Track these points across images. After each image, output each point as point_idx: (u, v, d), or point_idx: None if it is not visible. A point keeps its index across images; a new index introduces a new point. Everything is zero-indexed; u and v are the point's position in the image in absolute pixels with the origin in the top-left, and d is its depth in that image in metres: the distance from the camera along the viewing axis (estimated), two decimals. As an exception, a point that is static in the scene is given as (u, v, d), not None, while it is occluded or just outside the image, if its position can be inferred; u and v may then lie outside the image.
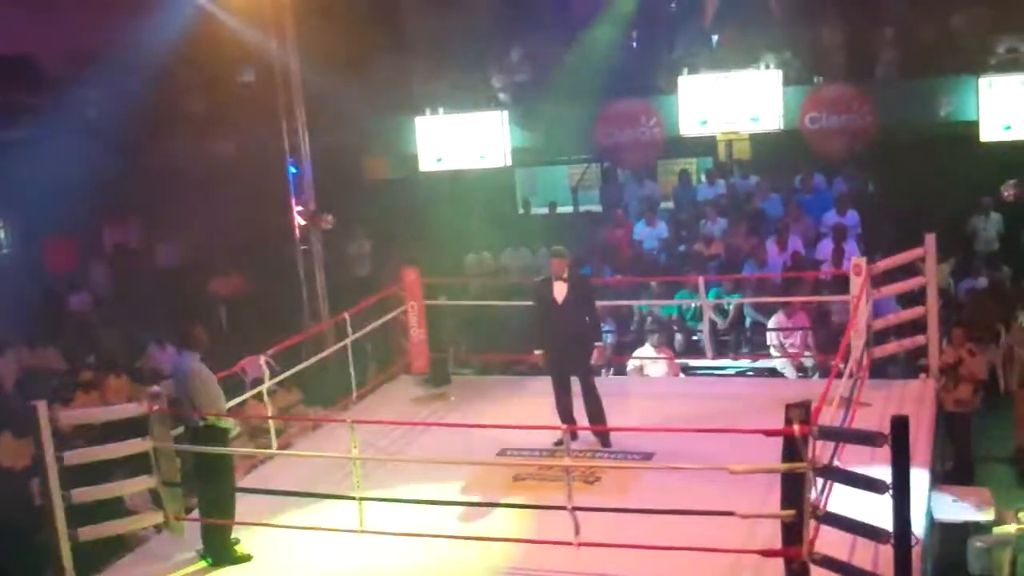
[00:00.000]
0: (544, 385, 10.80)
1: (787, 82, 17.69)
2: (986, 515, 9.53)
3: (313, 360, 12.15)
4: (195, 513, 9.04)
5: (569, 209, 20.98)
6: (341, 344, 12.45)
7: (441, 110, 18.83)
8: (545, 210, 20.53)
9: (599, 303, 11.76)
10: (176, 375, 9.08)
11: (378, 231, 18.53)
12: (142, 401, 9.01)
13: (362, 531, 8.60)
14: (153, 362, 14.32)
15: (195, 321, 9.26)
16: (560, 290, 10.56)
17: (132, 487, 9.25)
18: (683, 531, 7.86)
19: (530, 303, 11.20)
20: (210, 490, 8.88)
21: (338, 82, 17.23)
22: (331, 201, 15.25)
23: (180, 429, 9.07)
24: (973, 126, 16.70)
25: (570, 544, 8.03)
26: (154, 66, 18.21)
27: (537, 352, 10.83)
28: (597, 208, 20.63)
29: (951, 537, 9.79)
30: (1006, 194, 17.04)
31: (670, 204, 19.56)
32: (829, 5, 18.55)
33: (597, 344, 10.74)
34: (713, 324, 13.63)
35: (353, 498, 8.69)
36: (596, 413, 10.49)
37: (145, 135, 18.48)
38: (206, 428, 8.81)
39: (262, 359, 10.97)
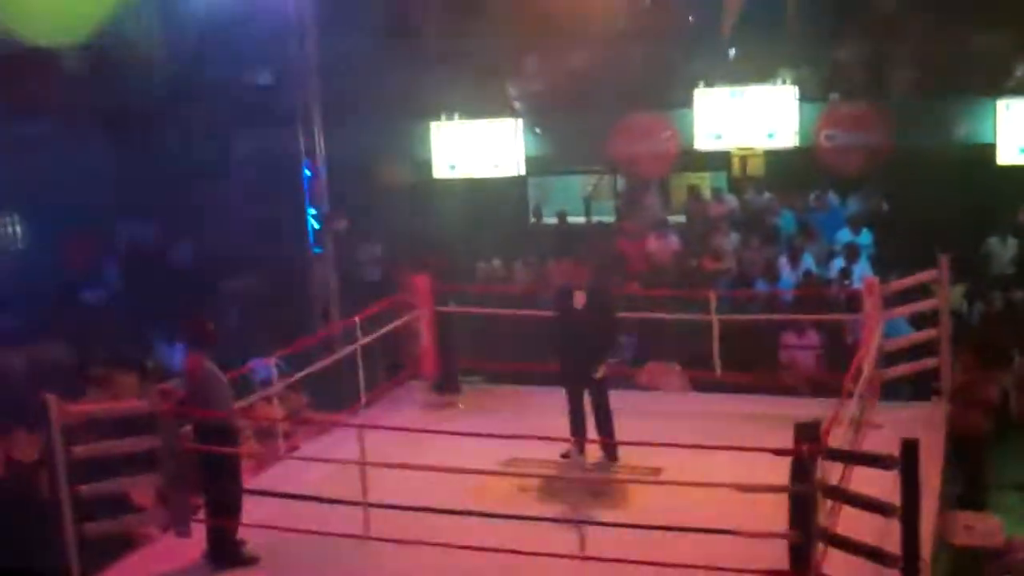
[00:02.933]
0: (555, 396, 10.78)
1: (803, 98, 17.66)
2: (997, 541, 9.48)
3: (323, 363, 12.16)
4: (202, 513, 9.05)
5: (581, 219, 20.98)
6: (351, 348, 12.45)
7: (456, 116, 18.83)
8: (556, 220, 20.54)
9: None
10: (185, 373, 9.10)
11: (390, 236, 18.53)
12: (151, 398, 9.04)
13: (368, 537, 8.61)
14: (163, 360, 14.35)
15: (206, 320, 9.27)
16: (579, 300, 10.54)
17: (139, 485, 9.26)
18: (688, 548, 7.85)
19: (540, 313, 11.19)
20: (217, 490, 8.89)
21: (355, 86, 17.26)
22: (345, 205, 15.29)
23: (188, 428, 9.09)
24: (990, 148, 16.66)
25: (574, 557, 8.02)
26: (174, 64, 18.29)
27: (552, 360, 10.80)
28: (609, 219, 20.63)
29: (961, 562, 9.72)
30: (1022, 217, 17.02)
31: (681, 218, 19.55)
32: (848, 22, 18.51)
33: (612, 360, 10.72)
34: (722, 340, 13.58)
35: (360, 503, 8.70)
36: (605, 426, 10.47)
37: (162, 134, 18.51)
38: (214, 428, 8.83)
39: (272, 361, 11.00)
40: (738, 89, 17.76)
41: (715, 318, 12.74)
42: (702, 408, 12.28)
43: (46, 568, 8.88)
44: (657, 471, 9.82)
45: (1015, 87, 17.03)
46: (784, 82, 17.66)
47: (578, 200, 22.15)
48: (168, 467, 9.00)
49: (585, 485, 9.34)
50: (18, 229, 20.24)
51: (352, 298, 14.90)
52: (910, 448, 6.81)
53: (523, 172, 19.24)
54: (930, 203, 16.45)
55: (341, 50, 16.03)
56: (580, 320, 10.50)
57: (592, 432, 10.45)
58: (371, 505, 8.69)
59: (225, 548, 8.80)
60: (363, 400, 12.34)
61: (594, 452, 10.45)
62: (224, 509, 8.85)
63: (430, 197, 19.48)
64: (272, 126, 16.39)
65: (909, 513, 6.77)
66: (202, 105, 18.68)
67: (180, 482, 9.04)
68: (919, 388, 12.30)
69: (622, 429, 10.41)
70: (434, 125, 18.88)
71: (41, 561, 9.07)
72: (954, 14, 17.36)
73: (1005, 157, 16.53)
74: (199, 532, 8.99)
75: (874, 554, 7.05)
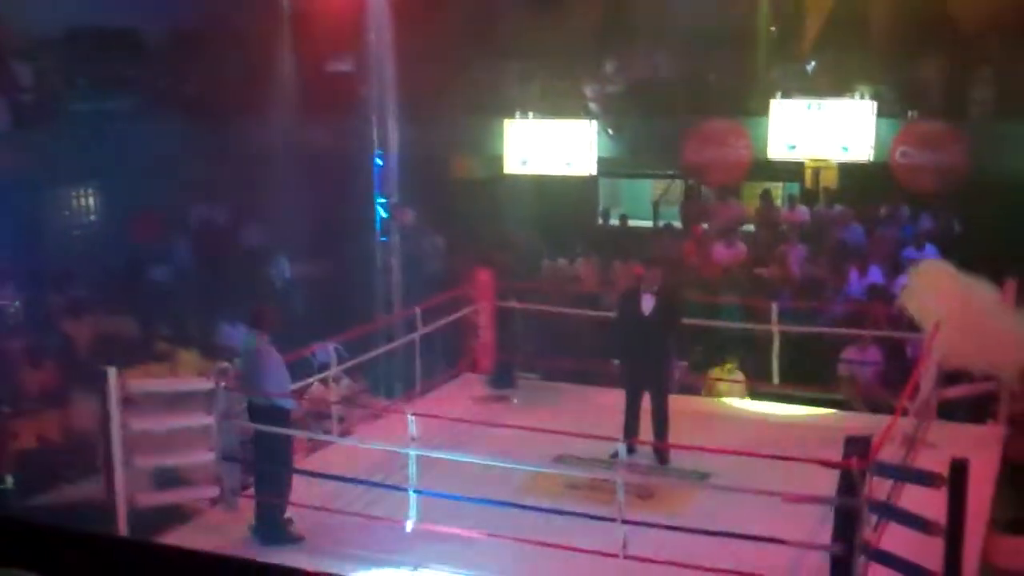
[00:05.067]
0: (609, 396, 10.80)
1: (880, 114, 17.49)
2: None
3: (381, 351, 12.27)
4: (252, 491, 9.20)
5: (648, 223, 20.95)
6: (410, 337, 12.56)
7: (531, 115, 18.92)
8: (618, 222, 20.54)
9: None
10: (245, 354, 9.26)
11: (457, 229, 18.63)
12: (210, 376, 9.21)
13: (413, 524, 8.69)
14: (225, 339, 14.57)
15: (267, 302, 9.43)
16: (648, 303, 10.53)
17: (192, 459, 9.44)
18: (731, 554, 7.83)
19: (603, 313, 11.19)
20: (267, 469, 9.04)
21: (432, 79, 17.39)
22: (414, 196, 15.43)
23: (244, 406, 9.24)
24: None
25: (616, 556, 8.04)
26: (253, 48, 18.55)
27: (615, 362, 10.80)
28: (676, 223, 20.58)
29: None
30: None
31: (751, 227, 19.44)
32: (928, 40, 18.29)
33: (679, 364, 10.72)
34: (782, 350, 13.49)
35: (407, 490, 8.79)
36: (661, 430, 10.46)
37: (239, 115, 18.78)
38: (268, 407, 8.97)
39: (331, 345, 11.13)
40: (815, 101, 17.65)
41: (776, 328, 12.66)
42: (757, 417, 12.21)
43: (98, 535, 9.08)
44: (706, 476, 9.80)
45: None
46: (862, 97, 17.50)
47: (647, 203, 22.12)
48: (221, 444, 9.17)
49: (633, 486, 9.33)
50: (92, 202, 20.67)
51: (415, 289, 15.02)
52: (959, 468, 6.74)
53: (594, 172, 19.27)
54: (1002, 226, 16.16)
55: (420, 42, 16.13)
56: (647, 324, 10.49)
57: (645, 434, 10.44)
58: (418, 492, 8.76)
59: (272, 525, 8.93)
60: (418, 389, 12.44)
61: (645, 454, 10.44)
62: (273, 487, 8.99)
63: (500, 193, 19.55)
64: (348, 114, 16.55)
65: (953, 532, 6.70)
66: (279, 90, 18.94)
67: (232, 459, 9.21)
68: (976, 411, 12.13)
69: (676, 433, 10.41)
70: (508, 122, 18.99)
71: (93, 528, 9.27)
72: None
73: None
74: (248, 509, 9.14)
75: (915, 571, 6.99)
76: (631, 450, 10.08)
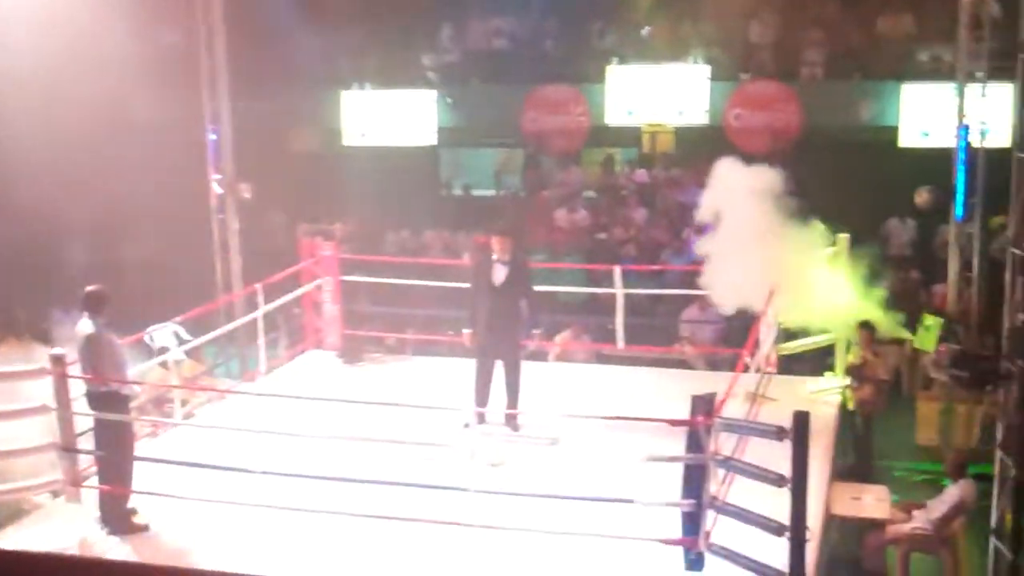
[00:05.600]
0: (460, 367, 10.75)
1: (714, 77, 17.83)
2: (882, 513, 9.69)
3: (223, 331, 11.98)
4: (94, 480, 8.89)
5: (491, 192, 20.96)
6: (252, 316, 12.31)
7: (368, 86, 18.71)
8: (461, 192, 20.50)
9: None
10: (79, 339, 8.90)
11: (296, 204, 18.29)
12: (43, 363, 8.84)
13: (260, 504, 8.52)
14: (57, 325, 14.00)
15: (101, 286, 9.06)
16: (500, 272, 10.49)
17: (28, 450, 9.06)
18: (586, 517, 7.90)
19: (450, 285, 11.13)
20: (109, 457, 8.72)
21: (265, 51, 16.98)
22: (251, 171, 15.06)
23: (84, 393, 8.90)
24: (893, 131, 16.98)
25: (471, 526, 8.03)
26: (76, 19, 17.76)
27: (466, 332, 10.75)
28: (520, 192, 20.62)
29: (848, 533, 9.94)
30: (919, 200, 17.34)
31: (591, 193, 19.61)
32: (760, 3, 18.70)
33: (534, 331, 10.74)
34: (626, 313, 13.67)
35: (254, 471, 8.60)
36: (513, 398, 10.47)
37: (61, 90, 17.98)
38: (107, 394, 8.66)
39: (170, 327, 10.81)
40: (651, 66, 17.90)
41: (620, 291, 12.81)
42: (604, 380, 12.35)
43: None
44: (556, 441, 9.86)
45: (919, 72, 17.36)
46: (696, 61, 17.81)
47: (490, 173, 22.10)
48: (60, 433, 8.82)
49: (485, 455, 9.33)
50: None
51: (256, 266, 14.72)
52: (801, 421, 6.90)
53: (435, 143, 19.17)
54: (835, 183, 16.67)
55: (252, 13, 15.73)
56: (500, 292, 10.47)
57: (496, 403, 10.44)
58: (265, 473, 8.58)
59: (116, 516, 8.64)
60: (263, 368, 12.20)
61: (496, 423, 10.44)
62: (115, 476, 8.69)
63: (339, 166, 19.26)
64: (178, 88, 16.03)
65: (798, 484, 6.87)
66: (105, 64, 18.18)
67: (71, 448, 8.87)
68: (815, 363, 12.54)
69: (525, 400, 10.43)
70: (345, 93, 18.75)
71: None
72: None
73: (907, 140, 16.90)
74: (91, 500, 8.83)
75: (763, 523, 7.15)
76: (482, 419, 10.08)
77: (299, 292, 13.05)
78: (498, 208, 19.10)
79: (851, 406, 11.28)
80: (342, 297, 13.12)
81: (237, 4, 14.69)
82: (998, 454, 7.69)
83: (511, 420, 10.41)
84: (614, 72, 18.02)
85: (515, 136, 20.21)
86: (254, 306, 12.23)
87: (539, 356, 13.48)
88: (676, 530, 7.50)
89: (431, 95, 18.84)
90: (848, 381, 11.33)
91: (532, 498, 8.24)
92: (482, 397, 10.53)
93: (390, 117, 18.83)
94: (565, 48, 19.62)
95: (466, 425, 10.00)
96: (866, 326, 11.49)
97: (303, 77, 18.65)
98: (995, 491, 7.82)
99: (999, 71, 14.24)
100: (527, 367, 10.95)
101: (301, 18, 18.03)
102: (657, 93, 18.00)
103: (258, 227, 16.65)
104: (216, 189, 14.52)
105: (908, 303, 14.64)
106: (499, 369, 10.58)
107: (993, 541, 7.81)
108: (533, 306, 10.76)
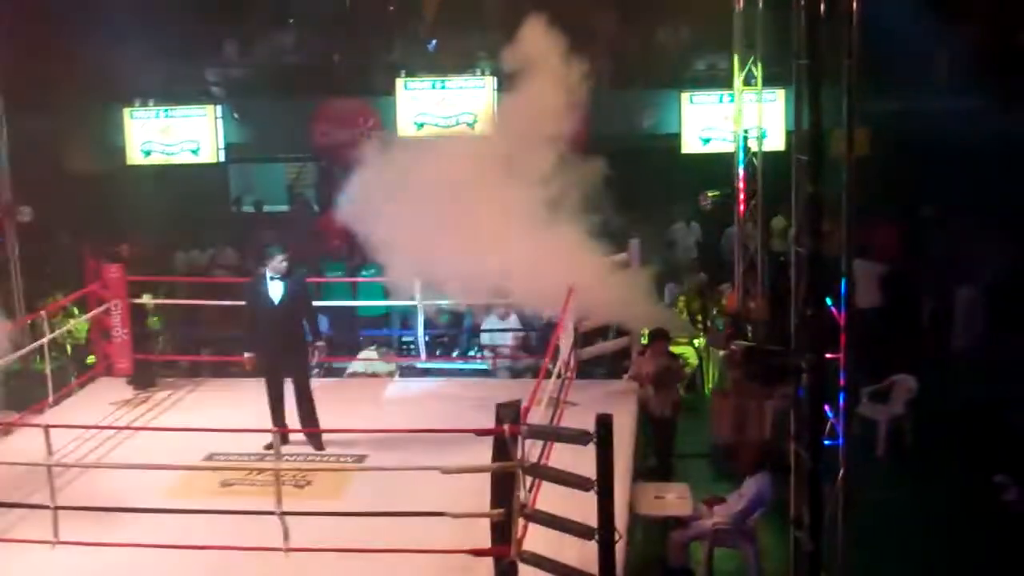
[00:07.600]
0: (257, 388, 10.53)
1: (501, 88, 18.04)
2: (685, 510, 9.96)
3: (6, 360, 11.41)
4: None
5: (284, 208, 20.69)
6: (37, 344, 11.78)
7: (151, 102, 18.22)
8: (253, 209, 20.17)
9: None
10: None
11: (80, 225, 17.60)
12: None
13: (57, 542, 8.16)
14: None
15: None
16: (276, 289, 10.30)
17: None
18: (396, 533, 7.87)
19: (240, 303, 10.90)
20: None
21: (41, 66, 16.29)
22: (31, 194, 14.47)
23: None
24: (676, 138, 17.57)
25: (279, 550, 7.88)
26: None
27: (247, 355, 10.51)
28: (314, 207, 20.43)
29: (652, 532, 10.19)
30: (703, 203, 18.04)
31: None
32: (541, 14, 18.99)
33: (318, 344, 10.64)
34: (427, 325, 13.70)
35: (48, 507, 8.22)
36: (309, 416, 10.30)
37: None
38: None
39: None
40: (439, 79, 18.02)
41: (420, 303, 12.83)
42: (408, 393, 12.33)
43: None
44: (362, 458, 9.79)
45: (697, 80, 18.03)
46: (483, 72, 18.01)
47: (282, 188, 21.82)
48: None
49: (289, 476, 9.18)
50: None
51: (40, 291, 14.11)
52: (604, 424, 7.02)
53: (222, 159, 18.79)
54: (620, 190, 17.06)
55: (23, 28, 15.04)
56: (277, 311, 10.28)
57: (294, 422, 10.27)
58: (60, 508, 8.22)
59: None
60: (51, 398, 11.68)
61: (300, 443, 10.28)
62: None
63: (124, 186, 18.63)
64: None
65: (604, 486, 6.98)
66: None
67: None
68: (613, 366, 12.84)
69: (328, 417, 10.30)
70: (127, 111, 18.19)
71: None
72: (640, 11, 18.24)
73: (689, 147, 17.52)
74: None
75: (572, 527, 7.25)
76: (284, 440, 9.90)
77: (86, 317, 12.56)
78: (283, 223, 18.89)
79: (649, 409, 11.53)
80: (132, 320, 12.68)
81: (11, 19, 14.05)
82: (792, 446, 8.00)
83: (313, 439, 10.26)
84: (403, 84, 18.07)
85: (307, 150, 20.02)
86: (40, 333, 11.72)
87: (337, 372, 13.39)
88: (486, 540, 7.54)
89: (217, 111, 18.46)
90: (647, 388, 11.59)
91: (341, 517, 8.16)
92: (277, 416, 10.32)
93: (175, 134, 18.36)
94: (354, 62, 19.53)
95: (268, 446, 9.80)
96: (660, 334, 11.80)
97: (82, 93, 17.95)
98: (792, 483, 8.13)
99: (773, 78, 15.00)
100: (328, 384, 10.83)
101: (79, 31, 17.36)
102: (445, 105, 18.12)
103: (41, 251, 15.94)
104: (-8, 213, 13.83)
105: (697, 305, 15.20)
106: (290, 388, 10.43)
107: (793, 532, 8.12)
108: (313, 321, 10.68)
